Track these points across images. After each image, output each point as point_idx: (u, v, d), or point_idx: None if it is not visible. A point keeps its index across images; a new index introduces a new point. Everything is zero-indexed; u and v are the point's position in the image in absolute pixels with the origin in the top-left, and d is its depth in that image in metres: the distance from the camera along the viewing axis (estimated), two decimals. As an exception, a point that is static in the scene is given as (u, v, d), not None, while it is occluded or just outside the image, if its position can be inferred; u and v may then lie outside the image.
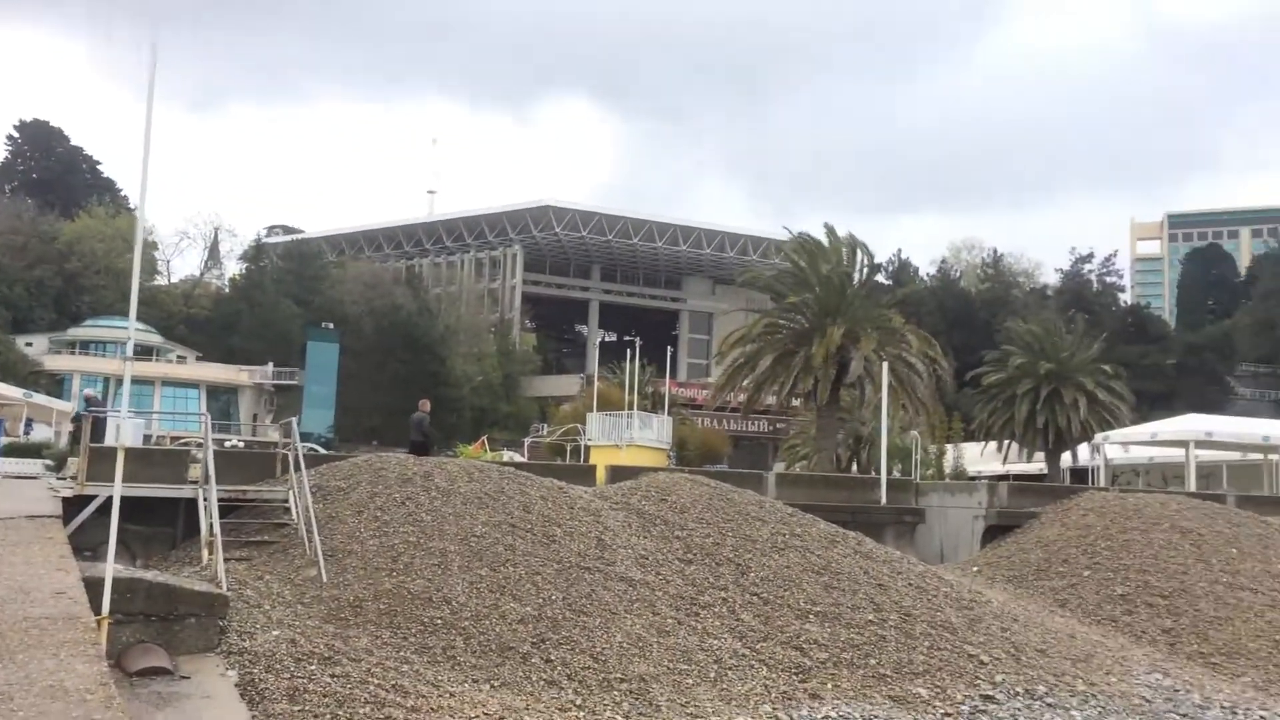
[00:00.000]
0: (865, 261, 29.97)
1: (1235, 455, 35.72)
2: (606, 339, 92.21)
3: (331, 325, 66.58)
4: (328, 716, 8.19)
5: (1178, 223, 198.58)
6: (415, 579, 11.21)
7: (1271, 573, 16.34)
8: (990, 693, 11.59)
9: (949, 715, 10.97)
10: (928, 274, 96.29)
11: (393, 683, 9.09)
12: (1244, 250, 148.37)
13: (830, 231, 30.19)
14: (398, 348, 68.06)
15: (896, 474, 34.11)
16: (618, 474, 17.57)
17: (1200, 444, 31.65)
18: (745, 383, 30.40)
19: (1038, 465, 40.37)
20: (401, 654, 9.89)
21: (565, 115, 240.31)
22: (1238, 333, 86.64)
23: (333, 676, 8.91)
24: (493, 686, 9.78)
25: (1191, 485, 29.92)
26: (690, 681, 10.85)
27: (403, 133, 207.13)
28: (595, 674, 10.53)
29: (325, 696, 8.48)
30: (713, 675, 11.07)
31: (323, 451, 22.00)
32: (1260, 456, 34.37)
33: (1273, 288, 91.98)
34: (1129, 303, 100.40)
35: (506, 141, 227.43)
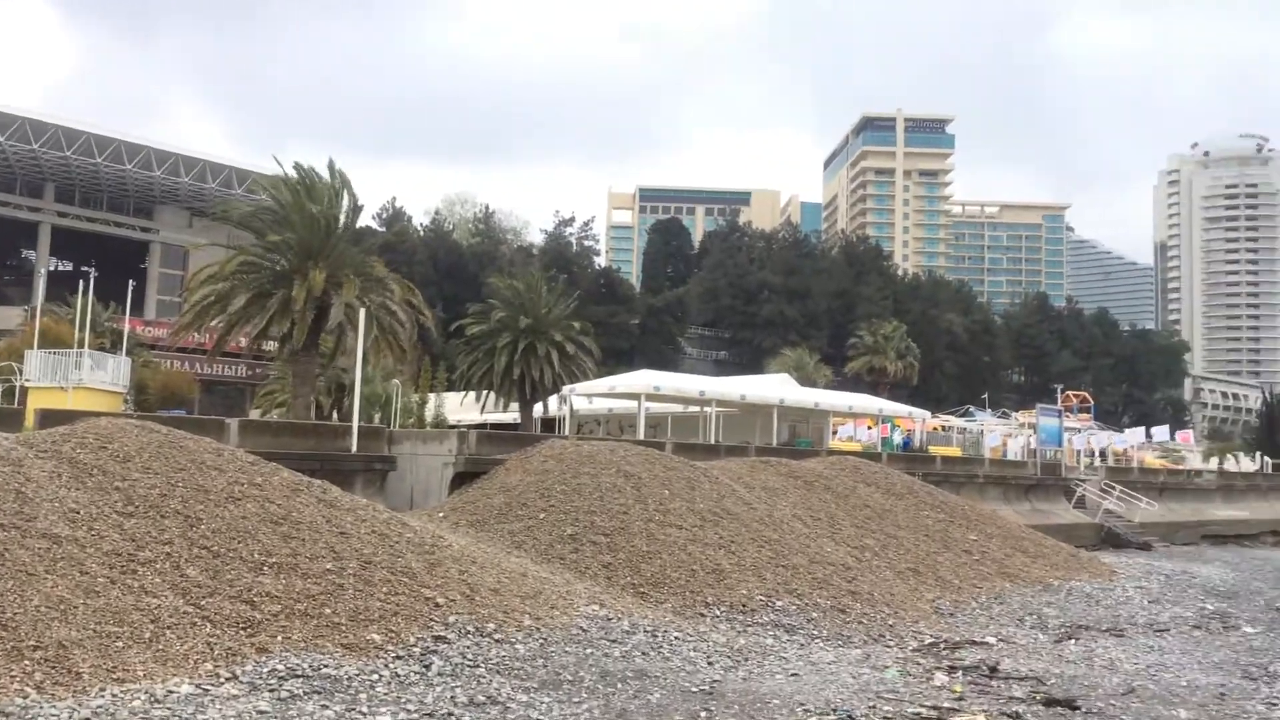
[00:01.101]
0: (352, 204, 29.29)
1: (678, 407, 40.23)
2: (60, 268, 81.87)
3: None
4: None
5: (647, 196, 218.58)
6: None
7: (695, 510, 18.53)
8: (443, 633, 11.91)
9: (400, 657, 11.10)
10: (422, 224, 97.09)
11: None
12: (699, 225, 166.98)
13: (312, 171, 29.05)
14: None
15: (376, 422, 34.03)
16: (52, 419, 15.59)
17: (650, 397, 35.14)
18: (215, 323, 28.48)
19: (513, 415, 42.49)
20: None
21: (16, 10, 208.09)
22: (689, 299, 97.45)
23: None
24: None
25: (641, 434, 33.16)
26: (121, 644, 9.90)
27: None
28: (2, 643, 9.25)
29: None
30: (148, 636, 10.20)
31: None
32: (698, 409, 39.01)
33: (719, 260, 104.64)
34: (603, 265, 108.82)
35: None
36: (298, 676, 10.13)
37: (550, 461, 19.91)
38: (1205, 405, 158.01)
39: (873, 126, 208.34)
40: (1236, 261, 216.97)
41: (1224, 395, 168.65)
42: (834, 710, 10.65)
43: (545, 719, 9.78)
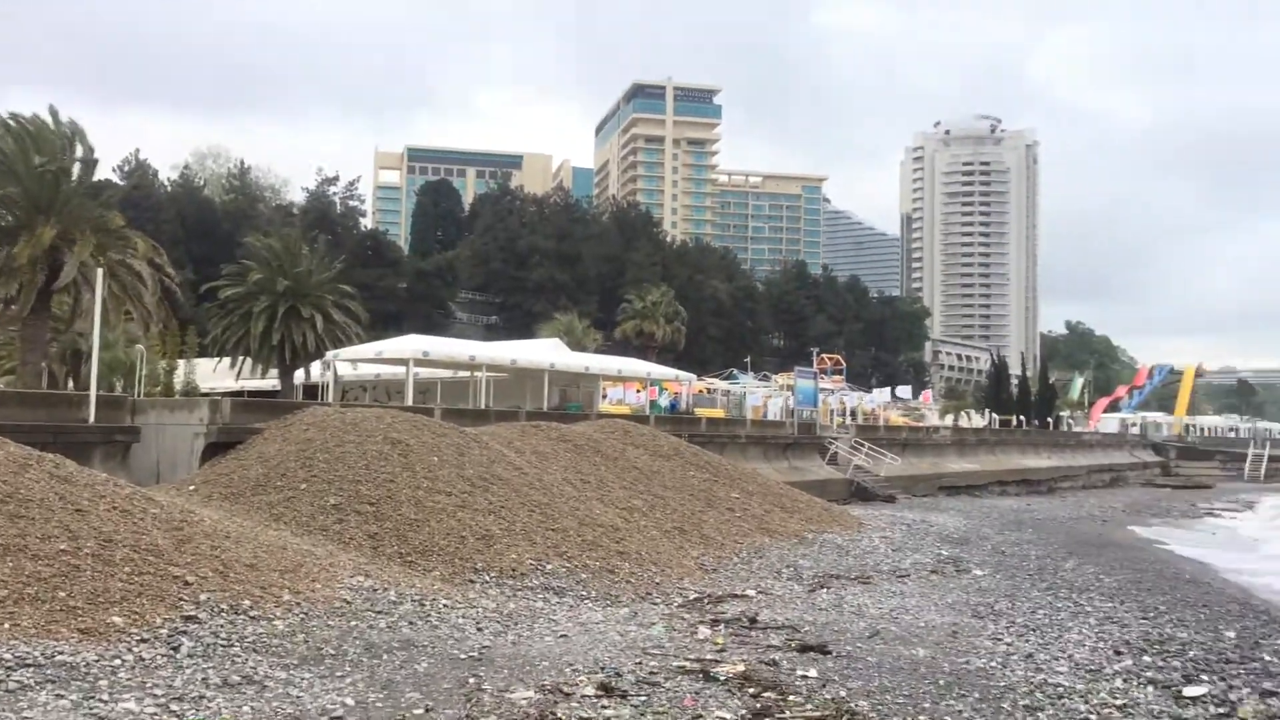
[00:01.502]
0: (87, 155, 26.95)
1: (448, 373, 39.62)
2: None
3: None
4: None
5: (416, 157, 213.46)
6: None
7: (464, 476, 18.32)
8: (193, 613, 11.26)
9: (145, 641, 10.41)
10: (169, 179, 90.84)
11: None
12: (469, 188, 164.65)
13: (38, 119, 26.51)
14: None
15: (119, 391, 31.69)
16: None
17: (419, 362, 34.41)
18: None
19: (272, 382, 40.56)
20: None
21: None
22: (459, 263, 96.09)
23: None
24: None
25: (409, 400, 32.44)
26: None
27: None
28: None
29: None
30: None
31: None
32: (468, 374, 38.55)
33: (489, 224, 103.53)
34: (369, 227, 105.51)
35: None
36: (28, 666, 9.32)
37: (312, 430, 19.16)
38: (943, 367, 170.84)
39: (643, 94, 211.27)
40: (971, 233, 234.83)
41: (959, 357, 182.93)
42: (601, 669, 10.81)
43: (306, 695, 9.41)
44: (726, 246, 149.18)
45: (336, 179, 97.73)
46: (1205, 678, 12.39)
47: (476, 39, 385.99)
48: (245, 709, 8.90)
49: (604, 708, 9.30)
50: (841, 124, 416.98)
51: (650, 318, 79.81)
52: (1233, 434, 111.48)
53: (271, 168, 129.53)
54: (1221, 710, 10.98)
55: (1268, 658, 13.91)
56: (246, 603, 11.83)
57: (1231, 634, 15.44)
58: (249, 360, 38.82)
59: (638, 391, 46.64)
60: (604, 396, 43.79)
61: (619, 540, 18.12)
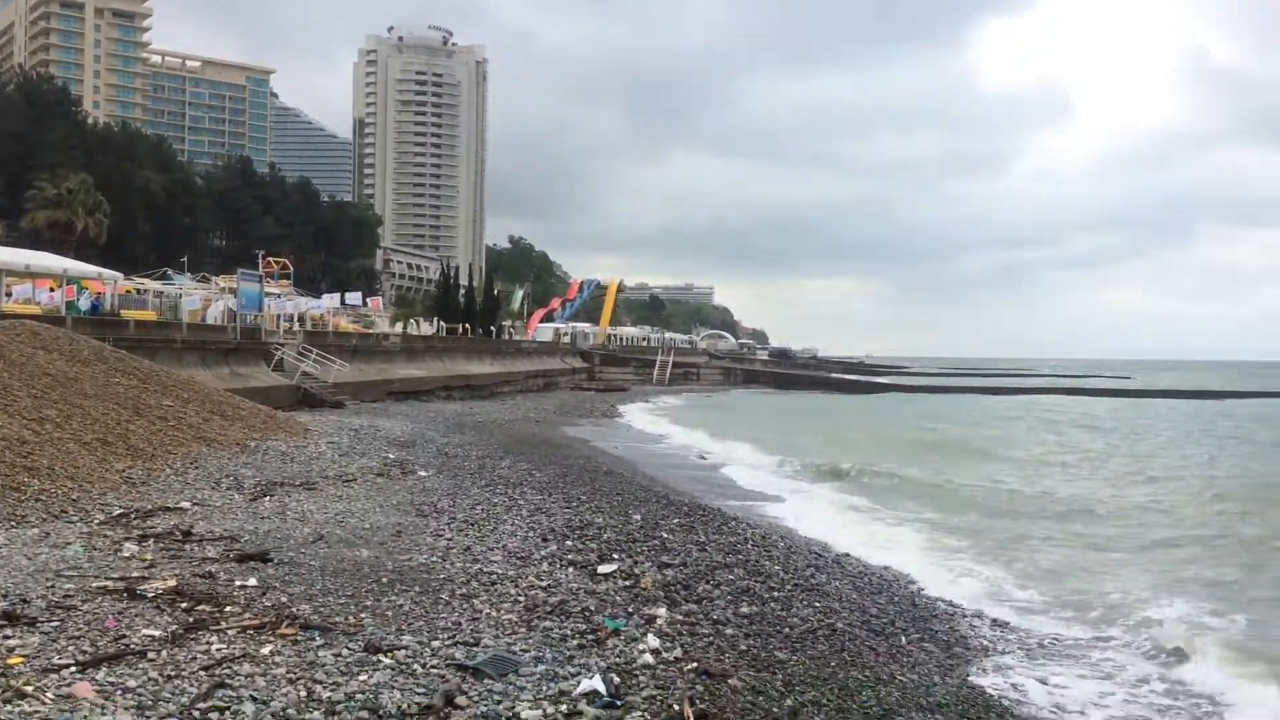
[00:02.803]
0: None
1: None
2: None
3: None
4: None
5: None
6: None
7: None
8: None
9: None
10: None
11: None
12: None
13: None
14: None
15: None
16: None
17: None
18: None
19: None
20: None
21: None
22: None
23: None
24: None
25: None
26: None
27: None
28: None
29: None
30: None
31: None
32: None
33: None
34: None
35: None
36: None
37: None
38: (394, 275, 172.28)
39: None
40: (424, 143, 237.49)
41: (410, 266, 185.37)
42: (4, 596, 9.53)
43: None
44: (160, 135, 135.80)
45: None
46: (616, 556, 13.99)
47: None
48: None
49: (6, 638, 8.22)
50: (292, 14, 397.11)
51: (67, 207, 70.95)
52: (645, 343, 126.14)
53: None
54: (628, 582, 12.49)
55: (665, 535, 16.08)
56: None
57: (639, 517, 17.59)
58: None
59: (51, 290, 41.19)
60: (8, 295, 38.13)
61: (27, 455, 16.02)
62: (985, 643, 11.75)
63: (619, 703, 7.88)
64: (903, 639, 11.27)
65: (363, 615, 9.91)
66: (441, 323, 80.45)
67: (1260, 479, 31.08)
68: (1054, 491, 27.65)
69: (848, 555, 16.47)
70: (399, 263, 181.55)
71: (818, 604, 12.36)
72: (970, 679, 10.11)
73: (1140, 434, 51.46)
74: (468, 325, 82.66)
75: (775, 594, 12.65)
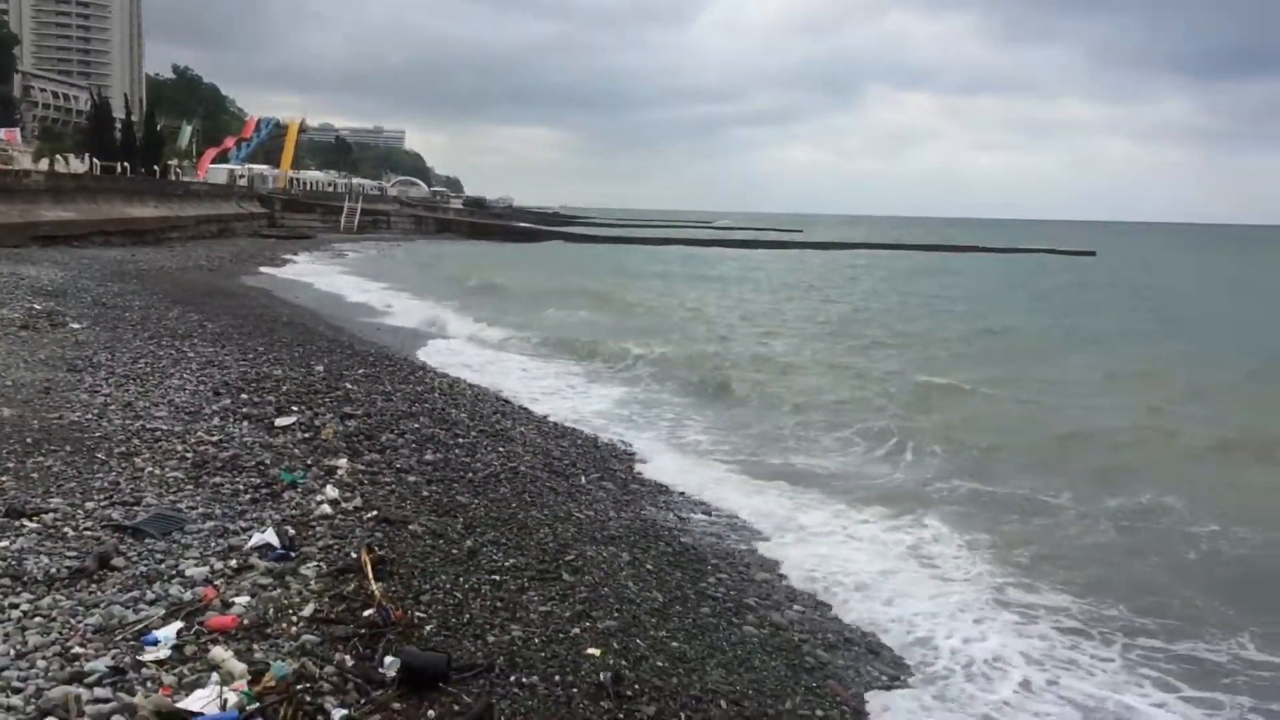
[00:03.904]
0: None
1: None
2: None
3: None
4: None
5: None
6: None
7: None
8: None
9: None
10: None
11: None
12: None
13: None
14: None
15: None
16: None
17: None
18: None
19: None
20: None
21: None
22: None
23: None
24: None
25: None
26: None
27: None
28: None
29: None
30: None
31: None
32: None
33: None
34: None
35: None
36: None
37: None
38: (36, 104, 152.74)
39: None
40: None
41: (55, 95, 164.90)
42: None
43: None
44: None
45: None
46: (296, 408, 13.55)
47: None
48: None
49: None
50: None
51: None
52: (331, 189, 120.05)
53: None
54: (309, 434, 12.17)
55: (349, 386, 15.73)
56: None
57: (321, 368, 17.06)
58: None
59: None
60: None
61: None
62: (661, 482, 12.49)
63: (293, 554, 7.76)
64: (583, 479, 11.77)
65: (3, 478, 9.07)
66: (95, 160, 72.66)
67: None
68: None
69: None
70: (42, 90, 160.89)
71: (502, 449, 12.62)
72: (644, 514, 10.75)
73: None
74: (127, 164, 75.15)
75: (460, 440, 12.78)
